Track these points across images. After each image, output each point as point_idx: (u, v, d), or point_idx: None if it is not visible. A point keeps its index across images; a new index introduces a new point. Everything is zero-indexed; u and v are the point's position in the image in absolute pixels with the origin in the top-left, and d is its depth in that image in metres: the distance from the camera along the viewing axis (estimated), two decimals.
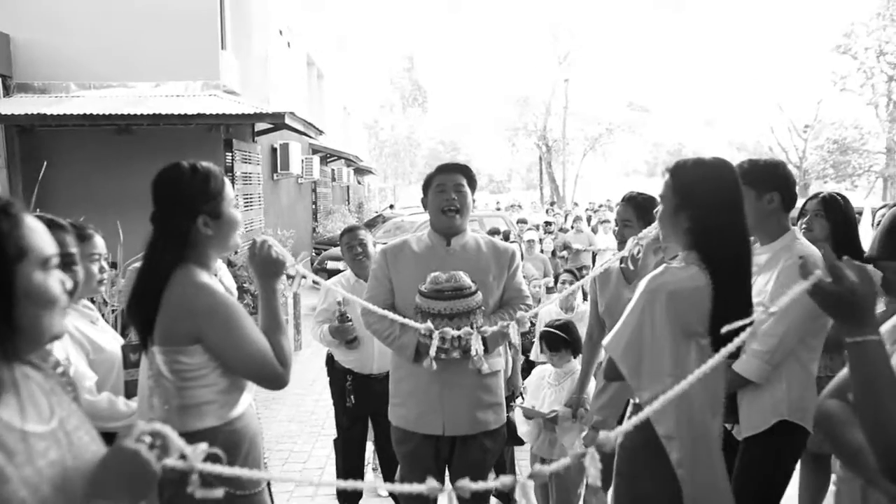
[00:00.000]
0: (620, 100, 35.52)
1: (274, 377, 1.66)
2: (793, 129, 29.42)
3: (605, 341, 1.82)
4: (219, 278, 1.85)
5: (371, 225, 12.75)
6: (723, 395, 1.80)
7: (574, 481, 2.97)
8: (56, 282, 1.00)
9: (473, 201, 2.56)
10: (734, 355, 1.34)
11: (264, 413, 5.64)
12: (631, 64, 47.69)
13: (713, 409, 1.76)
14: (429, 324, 2.17)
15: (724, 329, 1.37)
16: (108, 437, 1.15)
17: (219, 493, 1.11)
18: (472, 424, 2.41)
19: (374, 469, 4.22)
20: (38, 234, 0.98)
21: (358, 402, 3.36)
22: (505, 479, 1.21)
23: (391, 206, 23.16)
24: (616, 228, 2.82)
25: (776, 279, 2.15)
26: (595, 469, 1.14)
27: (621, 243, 2.66)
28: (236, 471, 1.12)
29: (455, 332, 2.15)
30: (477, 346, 2.15)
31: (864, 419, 1.18)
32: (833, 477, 1.50)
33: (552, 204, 24.97)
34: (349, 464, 3.48)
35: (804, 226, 2.92)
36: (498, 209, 17.85)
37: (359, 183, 25.39)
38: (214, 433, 1.59)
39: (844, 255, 1.27)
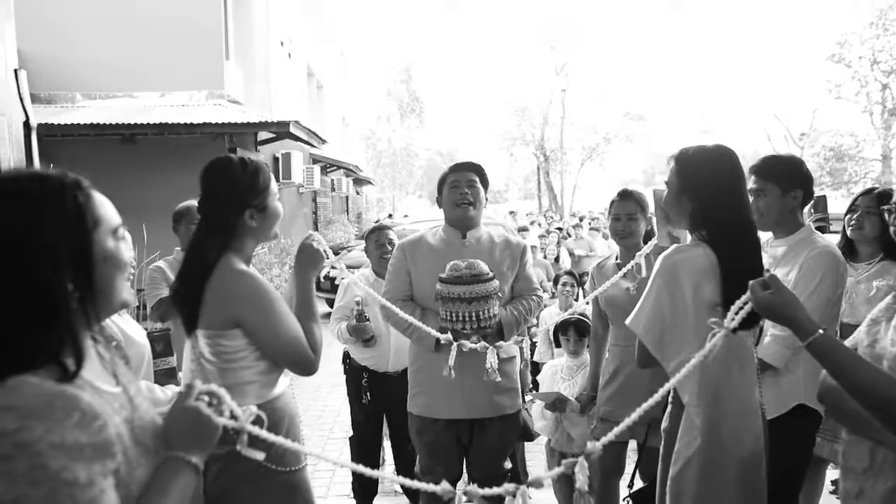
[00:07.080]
0: (617, 110, 35.68)
1: (307, 363, 1.75)
2: (789, 137, 29.64)
3: (628, 320, 1.89)
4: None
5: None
6: (753, 361, 1.86)
7: (595, 472, 3.01)
8: (126, 248, 1.07)
9: (486, 199, 2.66)
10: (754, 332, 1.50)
11: None
12: (628, 74, 48.06)
13: (745, 376, 1.82)
14: (448, 335, 2.31)
15: (733, 309, 1.54)
16: None
17: (260, 455, 1.21)
18: (490, 408, 2.53)
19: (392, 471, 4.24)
20: (106, 206, 1.07)
21: (374, 399, 3.40)
22: (508, 487, 1.33)
23: (390, 216, 23.27)
24: (608, 226, 2.92)
25: (800, 269, 2.20)
26: (583, 476, 1.31)
27: (626, 237, 2.80)
28: (279, 439, 1.26)
29: (472, 345, 2.30)
30: (492, 359, 2.28)
31: (851, 394, 1.37)
32: (842, 440, 1.57)
33: (558, 210, 25.06)
34: (364, 460, 3.50)
35: (853, 223, 2.83)
36: (524, 216, 18.52)
37: (357, 193, 25.47)
38: None
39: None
